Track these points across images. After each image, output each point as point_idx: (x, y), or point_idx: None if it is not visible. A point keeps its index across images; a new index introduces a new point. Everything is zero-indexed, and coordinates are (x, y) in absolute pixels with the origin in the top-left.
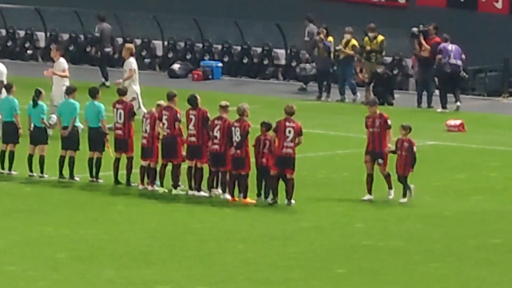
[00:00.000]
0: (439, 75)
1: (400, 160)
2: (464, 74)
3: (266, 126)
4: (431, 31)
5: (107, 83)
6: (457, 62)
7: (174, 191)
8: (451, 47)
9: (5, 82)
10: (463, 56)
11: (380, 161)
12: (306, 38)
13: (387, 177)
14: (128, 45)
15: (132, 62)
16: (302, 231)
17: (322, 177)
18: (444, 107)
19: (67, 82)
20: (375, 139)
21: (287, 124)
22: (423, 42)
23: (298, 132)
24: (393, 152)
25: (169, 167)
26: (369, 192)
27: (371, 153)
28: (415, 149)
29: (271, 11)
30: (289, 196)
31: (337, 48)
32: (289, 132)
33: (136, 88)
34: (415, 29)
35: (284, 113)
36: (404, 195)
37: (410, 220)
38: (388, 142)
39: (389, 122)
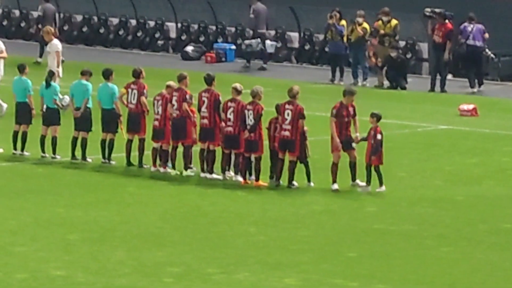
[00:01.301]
0: (456, 56)
1: (369, 149)
2: (489, 53)
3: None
4: (440, 19)
5: (39, 60)
6: (475, 43)
7: (184, 173)
8: (471, 27)
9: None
10: (486, 35)
11: (354, 145)
12: (251, 16)
13: (355, 165)
14: (47, 28)
15: (57, 44)
16: (313, 215)
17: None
18: (472, 86)
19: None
20: (348, 128)
21: (286, 106)
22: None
23: (298, 115)
24: (364, 139)
25: (180, 149)
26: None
27: (344, 143)
28: (379, 137)
29: None
30: (289, 178)
31: (355, 20)
32: (287, 114)
33: (60, 70)
34: (428, 10)
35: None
36: (381, 184)
37: (421, 204)
38: (356, 130)
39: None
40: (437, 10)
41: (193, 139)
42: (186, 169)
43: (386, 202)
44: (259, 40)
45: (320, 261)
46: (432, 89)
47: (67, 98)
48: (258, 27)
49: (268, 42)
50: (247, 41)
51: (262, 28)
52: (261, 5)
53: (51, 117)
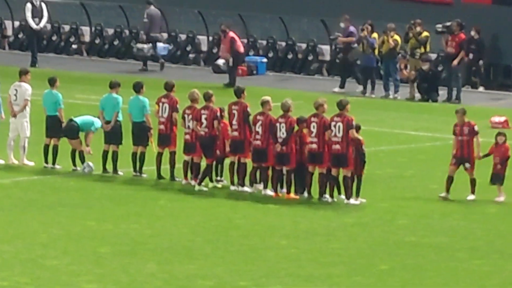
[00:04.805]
0: None
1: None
2: None
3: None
4: (456, 28)
5: None
6: None
7: (197, 187)
8: None
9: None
10: None
11: None
12: (145, 20)
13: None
14: None
15: None
16: (345, 227)
17: (366, 173)
18: None
19: None
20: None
21: (312, 119)
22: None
23: (323, 127)
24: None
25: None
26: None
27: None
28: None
29: (316, 6)
30: (320, 191)
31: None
32: (313, 127)
33: None
34: (439, 26)
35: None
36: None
37: (453, 216)
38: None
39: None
40: (447, 23)
41: (225, 152)
42: (199, 184)
43: (418, 215)
44: (150, 45)
45: (352, 274)
46: (449, 100)
47: (91, 167)
48: (151, 30)
49: (160, 44)
50: (139, 45)
51: (155, 31)
52: (155, 9)
53: (70, 131)
